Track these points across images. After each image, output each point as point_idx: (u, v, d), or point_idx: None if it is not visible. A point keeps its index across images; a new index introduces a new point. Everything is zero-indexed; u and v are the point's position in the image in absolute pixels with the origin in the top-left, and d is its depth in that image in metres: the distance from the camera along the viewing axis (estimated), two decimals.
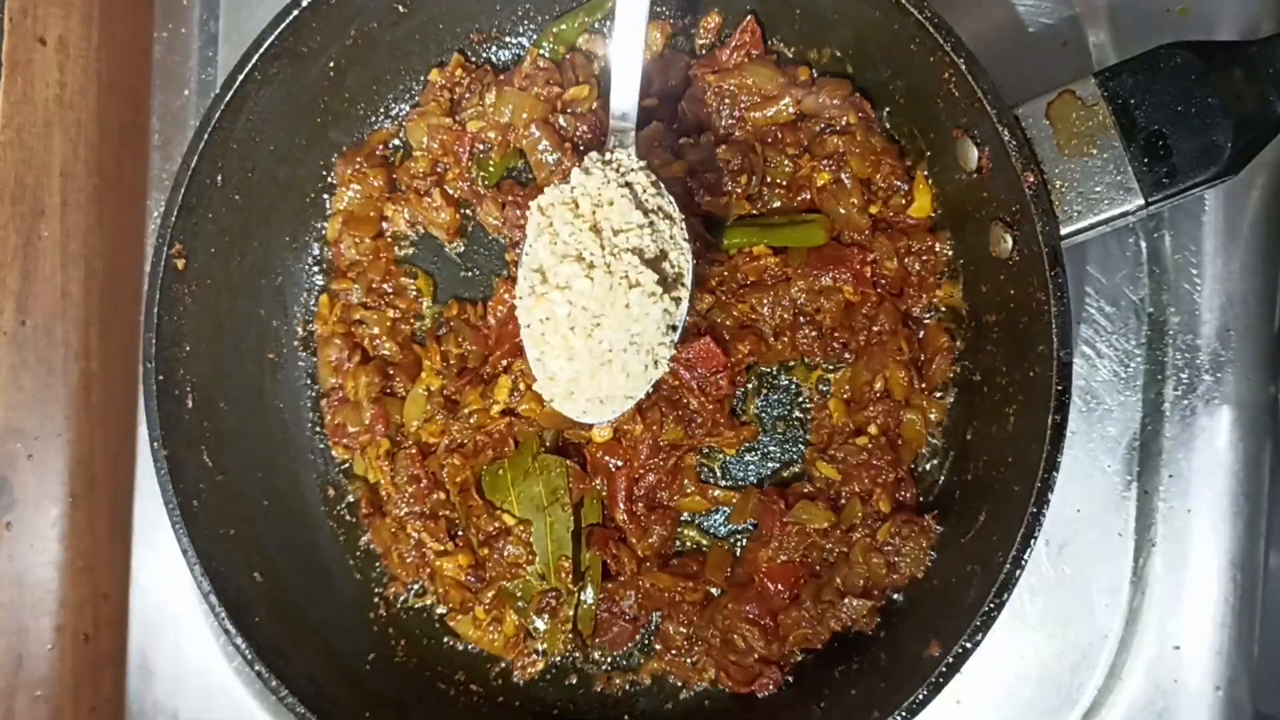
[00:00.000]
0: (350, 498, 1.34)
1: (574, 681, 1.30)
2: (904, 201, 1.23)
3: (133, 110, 1.43)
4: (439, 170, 1.32)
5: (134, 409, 1.41)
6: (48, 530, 1.33)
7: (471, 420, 1.27)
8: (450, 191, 1.32)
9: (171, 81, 1.44)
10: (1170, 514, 1.27)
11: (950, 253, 1.23)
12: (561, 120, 1.28)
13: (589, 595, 1.26)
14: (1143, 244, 1.29)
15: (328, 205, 1.34)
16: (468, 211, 1.34)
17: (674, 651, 1.27)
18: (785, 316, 1.24)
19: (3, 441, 1.28)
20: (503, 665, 1.30)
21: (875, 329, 1.23)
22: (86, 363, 1.37)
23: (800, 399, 1.28)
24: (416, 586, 1.32)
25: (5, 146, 1.26)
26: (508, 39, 1.34)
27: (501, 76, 1.32)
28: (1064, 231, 1.06)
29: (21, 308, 1.29)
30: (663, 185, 1.09)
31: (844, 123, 1.23)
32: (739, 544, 1.29)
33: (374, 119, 1.34)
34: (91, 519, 1.38)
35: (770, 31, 1.27)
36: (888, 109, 1.24)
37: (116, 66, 1.40)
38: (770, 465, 1.29)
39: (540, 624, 1.26)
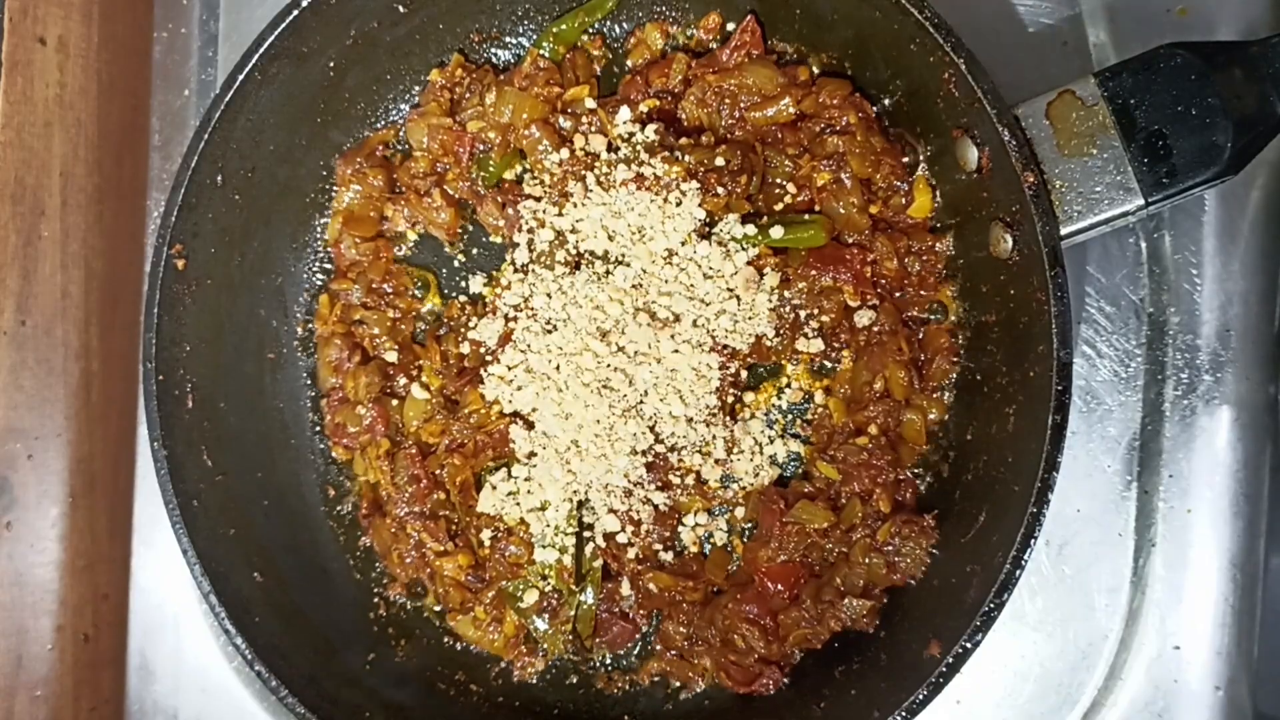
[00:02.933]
0: (350, 498, 1.34)
1: (574, 681, 1.30)
2: (904, 201, 1.23)
3: (133, 110, 1.43)
4: (439, 170, 1.32)
5: (134, 409, 1.42)
6: (48, 530, 1.33)
7: (471, 420, 1.27)
8: (450, 192, 1.32)
9: (171, 81, 1.44)
10: (1170, 514, 1.27)
11: (950, 253, 1.23)
12: (562, 120, 1.28)
13: (589, 596, 1.26)
14: (1143, 244, 1.29)
15: (327, 205, 1.34)
16: (468, 212, 1.34)
17: (674, 651, 1.26)
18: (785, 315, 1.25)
19: (3, 441, 1.28)
20: (503, 665, 1.31)
21: (875, 329, 1.23)
22: (86, 363, 1.37)
23: (800, 399, 1.28)
24: (418, 587, 1.32)
25: (5, 146, 1.26)
26: (508, 39, 1.33)
27: (501, 77, 1.32)
28: (1064, 232, 1.06)
29: (21, 308, 1.29)
30: None
31: (844, 123, 1.23)
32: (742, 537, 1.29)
33: (374, 119, 1.34)
34: (91, 519, 1.38)
35: (770, 31, 1.27)
36: (888, 109, 1.24)
37: (116, 66, 1.40)
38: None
39: (541, 624, 1.26)
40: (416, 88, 1.34)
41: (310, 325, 1.35)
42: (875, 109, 1.24)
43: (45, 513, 1.33)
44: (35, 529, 1.32)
